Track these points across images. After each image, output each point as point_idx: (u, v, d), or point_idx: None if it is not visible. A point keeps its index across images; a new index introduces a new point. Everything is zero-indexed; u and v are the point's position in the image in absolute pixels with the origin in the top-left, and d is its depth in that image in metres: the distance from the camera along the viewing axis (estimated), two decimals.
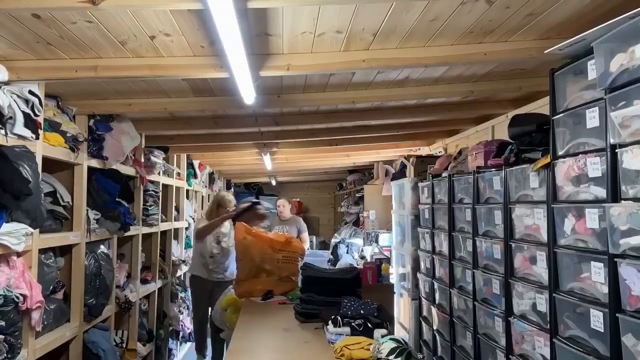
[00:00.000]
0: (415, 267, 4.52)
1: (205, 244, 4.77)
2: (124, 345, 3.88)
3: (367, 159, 7.22)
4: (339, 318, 2.83)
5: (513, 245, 2.53)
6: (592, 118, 1.83)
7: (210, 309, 4.83)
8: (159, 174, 4.70)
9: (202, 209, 6.96)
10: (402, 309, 5.15)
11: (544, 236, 2.22)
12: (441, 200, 3.64)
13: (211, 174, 7.57)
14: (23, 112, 2.34)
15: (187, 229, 6.04)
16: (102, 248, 3.45)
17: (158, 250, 4.92)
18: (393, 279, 5.08)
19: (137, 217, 4.17)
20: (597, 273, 1.81)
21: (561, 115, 2.06)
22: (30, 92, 2.38)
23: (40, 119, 2.52)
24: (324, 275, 3.57)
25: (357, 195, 8.42)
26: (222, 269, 4.88)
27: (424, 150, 5.55)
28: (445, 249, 3.50)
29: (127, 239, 4.11)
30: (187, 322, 5.67)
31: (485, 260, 2.84)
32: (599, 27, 1.69)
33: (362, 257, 5.92)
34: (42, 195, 2.58)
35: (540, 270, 2.26)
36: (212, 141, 4.78)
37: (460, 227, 3.26)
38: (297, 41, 2.26)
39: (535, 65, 2.73)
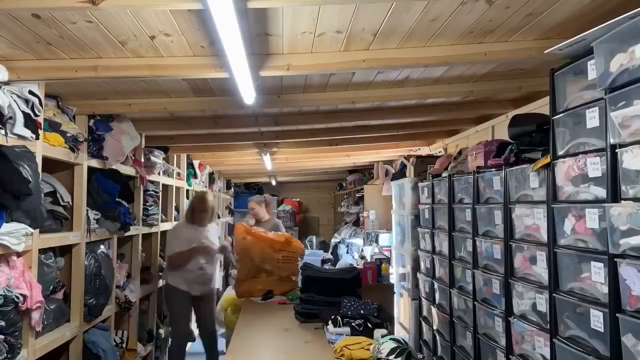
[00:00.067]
0: (415, 267, 4.52)
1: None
2: (124, 345, 3.88)
3: (367, 159, 7.22)
4: (339, 318, 2.84)
5: (513, 245, 2.53)
6: (592, 118, 1.83)
7: (195, 325, 4.60)
8: (159, 174, 4.70)
9: None
10: (402, 309, 5.15)
11: (544, 236, 2.22)
12: (441, 200, 3.64)
13: (211, 174, 7.57)
14: (23, 112, 2.34)
15: None
16: (102, 248, 3.45)
17: (158, 250, 4.92)
18: (393, 279, 5.08)
19: (137, 217, 4.17)
20: (597, 273, 1.81)
21: (561, 115, 2.06)
22: (30, 92, 2.38)
23: (40, 119, 2.52)
24: (324, 275, 3.57)
25: (357, 195, 8.43)
26: (208, 278, 4.44)
27: (424, 150, 5.55)
28: (445, 249, 3.50)
29: (127, 239, 4.11)
30: None
31: (485, 260, 2.84)
32: (599, 27, 1.69)
33: (362, 257, 5.92)
34: (42, 195, 2.58)
35: (540, 270, 2.26)
36: (212, 141, 4.77)
37: (460, 227, 3.26)
38: (297, 41, 2.26)
39: (535, 65, 2.73)
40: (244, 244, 4.06)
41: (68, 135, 2.87)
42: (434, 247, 3.80)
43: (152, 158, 4.40)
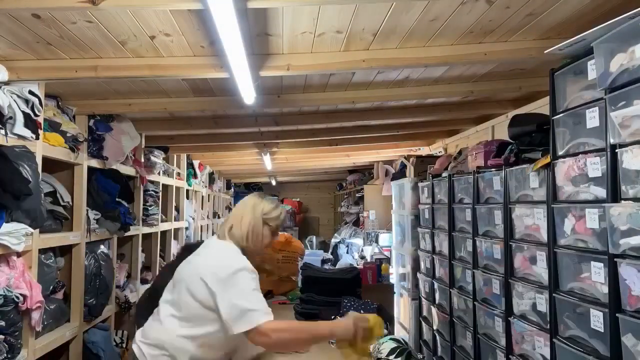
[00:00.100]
0: (415, 267, 4.52)
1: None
2: (124, 345, 3.87)
3: (367, 159, 7.22)
4: (339, 318, 2.83)
5: (513, 245, 2.53)
6: (592, 118, 1.84)
7: None
8: (159, 174, 4.69)
9: (202, 209, 6.95)
10: (402, 309, 5.15)
11: (544, 236, 2.22)
12: (441, 200, 3.64)
13: (211, 174, 7.57)
14: (23, 112, 2.34)
15: (187, 229, 6.03)
16: (102, 248, 3.44)
17: (158, 250, 4.92)
18: (393, 279, 5.08)
19: (137, 217, 4.16)
20: (597, 273, 1.81)
21: (561, 115, 2.06)
22: (30, 92, 2.38)
23: (40, 119, 2.52)
24: (324, 275, 3.56)
25: (357, 195, 8.43)
26: None
27: (424, 150, 5.55)
28: (445, 249, 3.50)
29: (127, 239, 4.11)
30: None
31: (485, 260, 2.84)
32: (599, 27, 1.69)
33: (362, 257, 5.93)
34: (42, 195, 2.58)
35: (540, 270, 2.26)
36: (212, 141, 4.77)
37: (460, 227, 3.26)
38: (297, 41, 2.26)
39: (535, 65, 2.73)
40: None
41: (68, 135, 2.87)
42: (434, 247, 3.80)
43: (152, 158, 4.40)
